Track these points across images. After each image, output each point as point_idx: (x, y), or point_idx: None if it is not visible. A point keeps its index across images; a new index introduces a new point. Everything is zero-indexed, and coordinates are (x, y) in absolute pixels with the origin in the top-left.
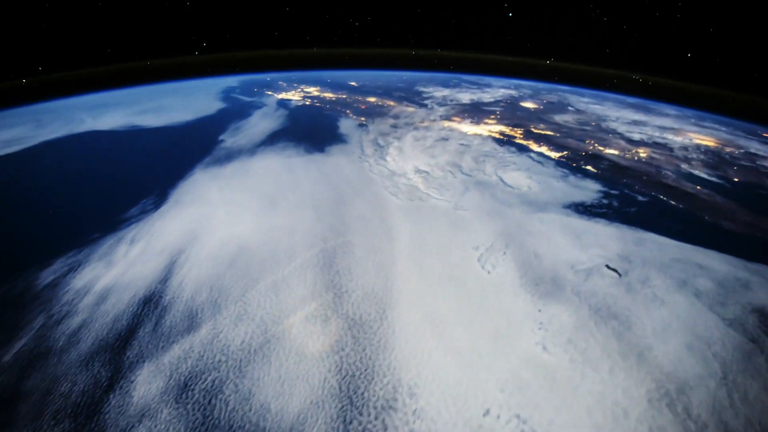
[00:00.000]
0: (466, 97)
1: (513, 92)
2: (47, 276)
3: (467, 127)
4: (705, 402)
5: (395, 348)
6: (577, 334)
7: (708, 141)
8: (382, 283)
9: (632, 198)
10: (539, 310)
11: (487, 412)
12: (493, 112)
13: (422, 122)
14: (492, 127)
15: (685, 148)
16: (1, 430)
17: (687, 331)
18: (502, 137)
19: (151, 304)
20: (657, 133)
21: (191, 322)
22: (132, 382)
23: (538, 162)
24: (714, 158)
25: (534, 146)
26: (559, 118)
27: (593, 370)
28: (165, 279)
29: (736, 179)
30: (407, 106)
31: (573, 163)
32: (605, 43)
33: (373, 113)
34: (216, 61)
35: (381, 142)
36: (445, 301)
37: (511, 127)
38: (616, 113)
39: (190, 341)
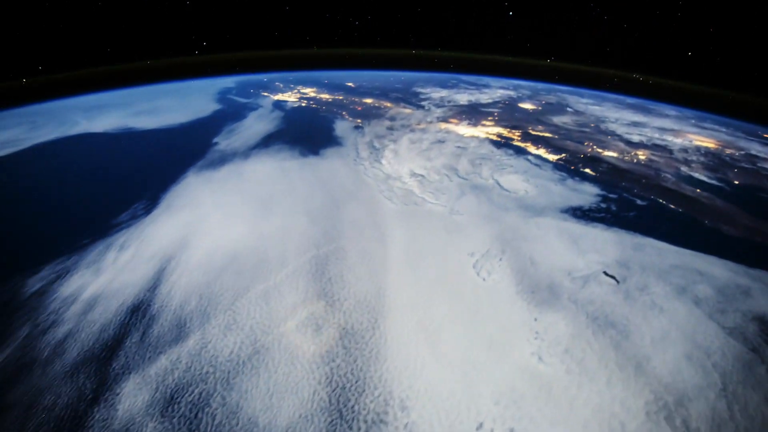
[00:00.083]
0: (464, 98)
1: (511, 93)
2: (34, 284)
3: (464, 129)
4: (704, 414)
5: (387, 358)
6: (574, 343)
7: (708, 142)
8: (374, 291)
9: (631, 202)
10: (535, 319)
11: (480, 426)
12: (491, 114)
13: (419, 124)
14: (489, 129)
15: (685, 149)
16: None
17: (686, 341)
18: (499, 139)
19: (139, 313)
20: (656, 135)
21: (179, 332)
22: (117, 394)
23: (536, 165)
24: (714, 160)
25: (532, 148)
26: (557, 119)
27: (590, 381)
28: (154, 287)
29: (736, 182)
30: (404, 107)
31: (571, 166)
32: (605, 43)
33: (370, 115)
34: (216, 61)
35: (377, 144)
36: (438, 309)
37: (508, 129)
38: (615, 114)
39: (178, 352)
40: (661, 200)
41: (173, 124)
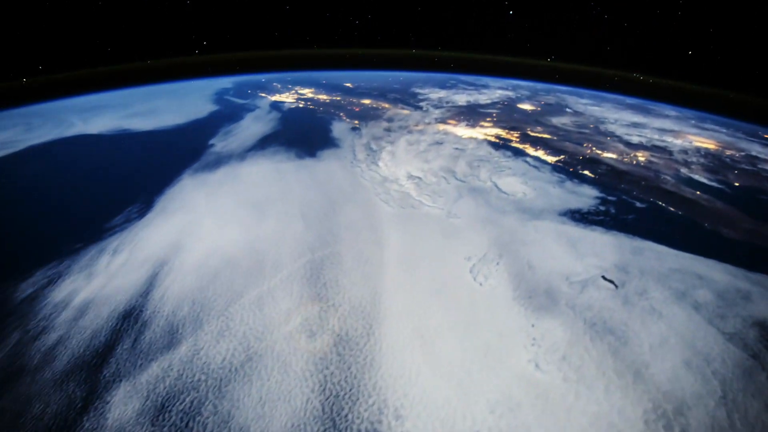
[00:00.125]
0: (462, 98)
1: (510, 93)
2: (26, 289)
3: (462, 131)
4: (703, 423)
5: (382, 366)
6: (572, 350)
7: (708, 143)
8: (370, 297)
9: (630, 204)
10: (532, 325)
11: None
12: (490, 115)
13: (417, 125)
14: (488, 131)
15: (684, 151)
16: None
17: (685, 347)
18: (497, 141)
19: (131, 319)
20: (656, 136)
21: (171, 339)
22: (107, 402)
23: (534, 167)
24: (714, 162)
25: (530, 150)
26: (556, 120)
27: (588, 389)
28: (146, 292)
29: (736, 184)
30: (402, 108)
31: (570, 168)
32: (605, 42)
33: (367, 116)
34: (216, 61)
35: (374, 146)
36: (434, 315)
37: (507, 130)
38: (614, 115)
39: (170, 359)
40: (660, 203)
41: (169, 125)
